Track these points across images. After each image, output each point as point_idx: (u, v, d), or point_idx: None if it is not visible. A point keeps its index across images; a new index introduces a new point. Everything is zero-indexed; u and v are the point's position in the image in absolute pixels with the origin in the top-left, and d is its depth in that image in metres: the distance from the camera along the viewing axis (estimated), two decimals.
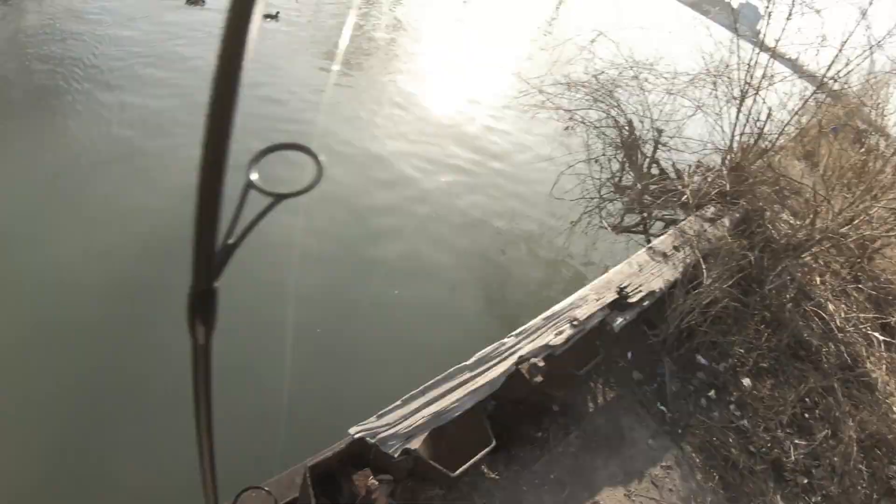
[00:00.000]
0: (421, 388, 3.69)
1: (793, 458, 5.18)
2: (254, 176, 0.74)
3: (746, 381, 5.91)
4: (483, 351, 4.07)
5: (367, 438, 3.40)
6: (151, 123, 9.04)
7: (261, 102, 9.80)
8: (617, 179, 7.79)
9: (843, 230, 6.93)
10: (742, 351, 6.08)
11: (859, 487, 5.07)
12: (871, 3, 7.25)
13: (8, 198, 6.96)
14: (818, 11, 7.36)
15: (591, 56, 8.26)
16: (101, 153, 8.09)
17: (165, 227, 6.80)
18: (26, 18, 11.60)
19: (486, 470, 4.23)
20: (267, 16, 14.95)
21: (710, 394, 5.72)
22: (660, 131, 8.01)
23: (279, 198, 0.73)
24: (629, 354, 5.93)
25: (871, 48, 7.38)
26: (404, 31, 16.98)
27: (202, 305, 0.82)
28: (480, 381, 3.92)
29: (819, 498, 4.96)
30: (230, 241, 0.75)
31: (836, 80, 7.88)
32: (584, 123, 7.82)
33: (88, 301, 5.96)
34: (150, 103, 9.64)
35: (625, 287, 5.62)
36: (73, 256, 6.39)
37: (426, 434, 3.78)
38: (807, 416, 5.75)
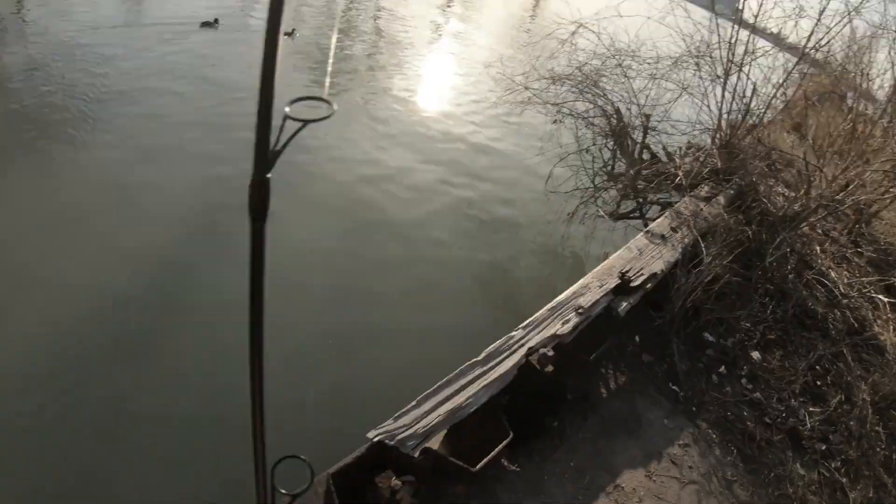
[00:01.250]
0: (434, 387, 3.74)
1: (809, 425, 5.22)
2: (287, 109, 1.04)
3: (756, 354, 5.95)
4: (492, 346, 4.13)
5: (386, 441, 3.44)
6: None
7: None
8: (609, 168, 7.84)
9: (838, 197, 6.99)
10: (748, 325, 6.12)
11: (878, 449, 5.10)
12: None
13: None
14: None
15: (572, 48, 8.32)
16: None
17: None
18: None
19: (506, 463, 4.28)
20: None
21: (720, 370, 5.76)
22: (647, 116, 8.06)
23: (305, 122, 1.03)
24: (637, 338, 5.98)
25: (849, 14, 7.44)
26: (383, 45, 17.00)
27: (259, 193, 1.09)
28: (492, 375, 3.96)
29: (838, 463, 4.99)
30: (276, 148, 1.06)
31: (817, 50, 7.94)
32: (572, 115, 7.89)
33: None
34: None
35: (626, 272, 5.66)
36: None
37: (444, 432, 3.83)
38: (819, 383, 5.79)
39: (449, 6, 22.27)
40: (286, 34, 15.23)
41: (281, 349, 5.65)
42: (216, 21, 15.45)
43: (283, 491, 1.75)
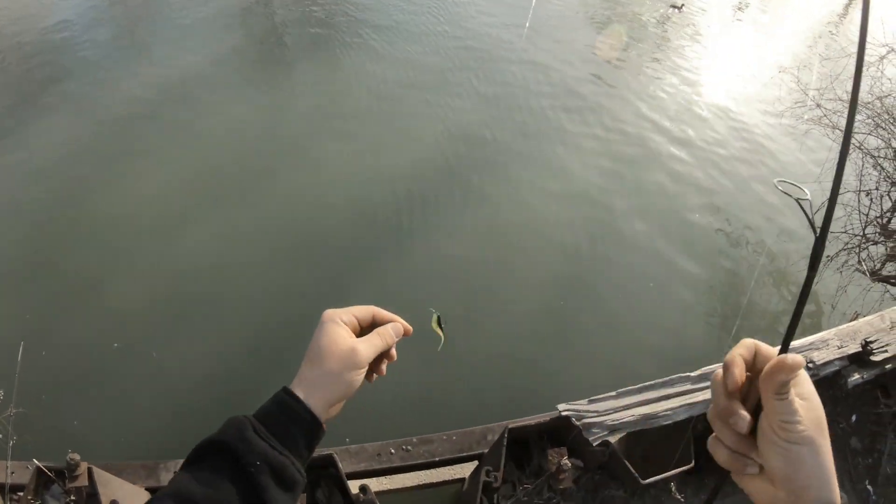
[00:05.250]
0: (638, 386, 3.51)
1: None
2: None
3: None
4: (709, 367, 3.77)
5: (573, 419, 3.31)
6: None
7: None
8: (886, 220, 6.77)
9: None
10: None
11: None
12: None
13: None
14: None
15: (878, 74, 7.19)
16: None
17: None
18: None
19: (673, 488, 3.98)
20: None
21: None
22: None
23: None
24: (853, 417, 5.23)
25: None
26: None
27: None
28: (699, 396, 3.63)
29: None
30: None
31: None
32: (860, 149, 6.87)
33: None
34: None
35: (871, 341, 4.92)
36: None
37: (628, 432, 3.61)
38: None
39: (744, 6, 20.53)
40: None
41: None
42: (682, 6, 16.28)
43: None
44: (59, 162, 7.79)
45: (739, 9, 18.37)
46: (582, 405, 3.37)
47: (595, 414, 3.37)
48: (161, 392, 5.24)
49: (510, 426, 3.35)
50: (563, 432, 3.50)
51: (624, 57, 12.89)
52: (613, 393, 3.46)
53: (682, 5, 15.99)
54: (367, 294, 6.27)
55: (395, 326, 0.99)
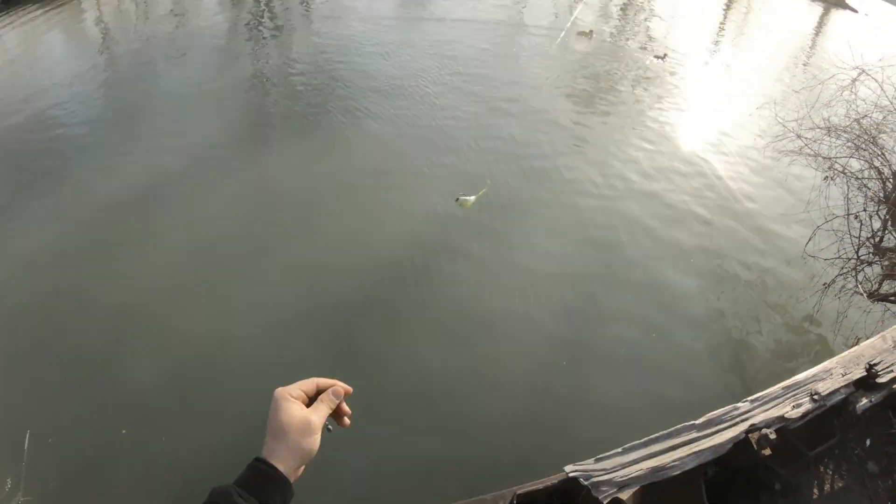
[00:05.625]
0: (644, 439, 3.51)
1: None
2: None
3: None
4: (714, 413, 3.77)
5: (581, 479, 3.29)
6: None
7: None
8: (878, 239, 6.81)
9: None
10: None
11: None
12: None
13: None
14: None
15: (852, 97, 7.30)
16: None
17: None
18: None
19: None
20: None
21: None
22: None
23: None
24: (867, 441, 5.16)
25: None
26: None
27: None
28: (706, 443, 3.62)
29: None
30: None
31: None
32: (844, 174, 6.94)
33: None
34: None
35: (875, 364, 4.91)
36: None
37: (639, 486, 3.59)
38: None
39: (719, 39, 21.39)
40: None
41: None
42: (665, 56, 17.29)
43: None
44: (59, 246, 7.95)
45: (712, 52, 19.24)
46: (589, 465, 3.37)
47: (603, 472, 3.35)
48: (170, 479, 5.20)
49: (518, 492, 3.35)
50: (572, 493, 3.48)
51: (611, 110, 13.32)
52: (620, 449, 3.45)
53: (665, 55, 16.84)
54: (367, 365, 6.36)
55: (334, 390, 1.18)
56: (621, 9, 22.42)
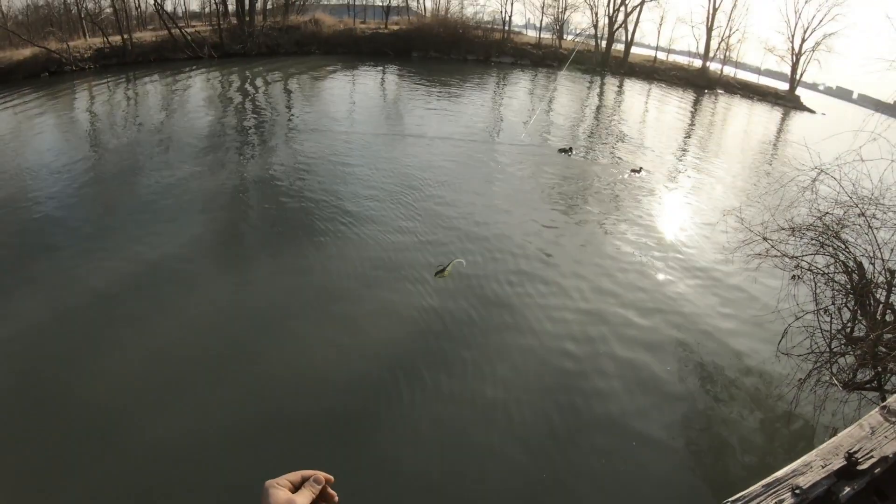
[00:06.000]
0: None
1: None
2: None
3: None
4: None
5: None
6: None
7: None
8: (848, 331, 6.97)
9: None
10: None
11: None
12: None
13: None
14: None
15: (813, 197, 7.70)
16: None
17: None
18: None
19: None
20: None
21: None
22: (892, 273, 7.10)
23: None
24: None
25: None
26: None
27: None
28: None
29: None
30: None
31: None
32: (811, 271, 7.21)
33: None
34: None
35: (854, 452, 4.91)
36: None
37: None
38: None
39: (684, 153, 23.30)
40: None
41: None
42: (570, 149, 19.83)
43: None
44: (35, 342, 8.01)
45: (680, 166, 20.97)
46: None
47: None
48: None
49: None
50: None
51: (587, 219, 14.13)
52: None
53: (641, 168, 18.44)
54: (348, 469, 6.24)
55: (315, 478, 1.32)
56: (589, 134, 24.87)
